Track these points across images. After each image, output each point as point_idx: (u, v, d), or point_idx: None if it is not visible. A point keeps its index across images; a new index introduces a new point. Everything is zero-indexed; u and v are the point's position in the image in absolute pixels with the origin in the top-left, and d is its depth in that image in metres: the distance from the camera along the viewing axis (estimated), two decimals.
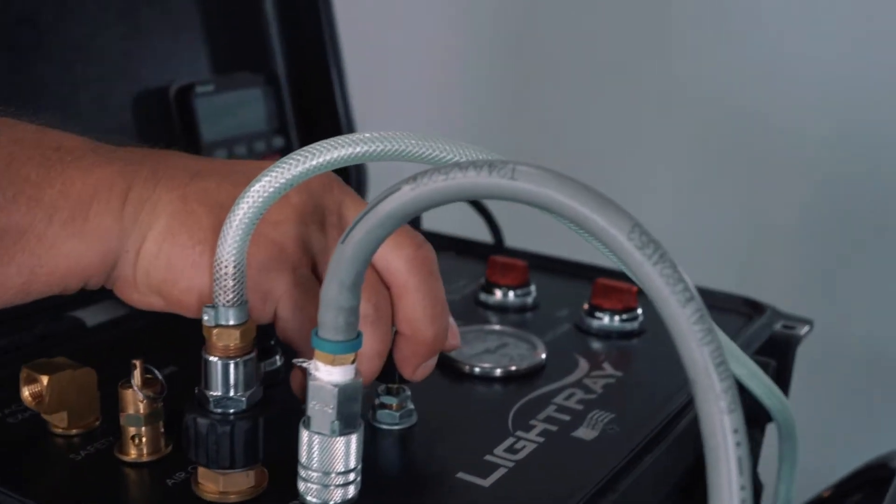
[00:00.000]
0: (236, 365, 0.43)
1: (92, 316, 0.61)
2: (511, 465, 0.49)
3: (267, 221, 0.46)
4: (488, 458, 0.49)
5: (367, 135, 0.42)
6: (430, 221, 0.81)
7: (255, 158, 0.78)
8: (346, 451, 0.41)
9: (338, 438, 0.41)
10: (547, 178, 0.35)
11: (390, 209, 0.37)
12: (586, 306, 0.67)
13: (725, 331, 0.66)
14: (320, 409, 0.40)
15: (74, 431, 0.49)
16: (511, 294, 0.69)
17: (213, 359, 0.43)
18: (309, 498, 0.42)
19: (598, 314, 0.65)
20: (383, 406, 0.52)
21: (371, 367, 0.46)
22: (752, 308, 0.70)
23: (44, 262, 0.44)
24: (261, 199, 0.41)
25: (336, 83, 0.83)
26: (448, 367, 0.59)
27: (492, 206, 0.81)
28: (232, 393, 0.43)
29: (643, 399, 0.56)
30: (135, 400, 0.46)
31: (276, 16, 0.81)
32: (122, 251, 0.45)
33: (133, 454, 0.47)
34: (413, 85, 1.34)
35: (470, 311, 0.69)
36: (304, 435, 0.41)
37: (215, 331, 0.43)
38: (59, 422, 0.49)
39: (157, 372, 0.47)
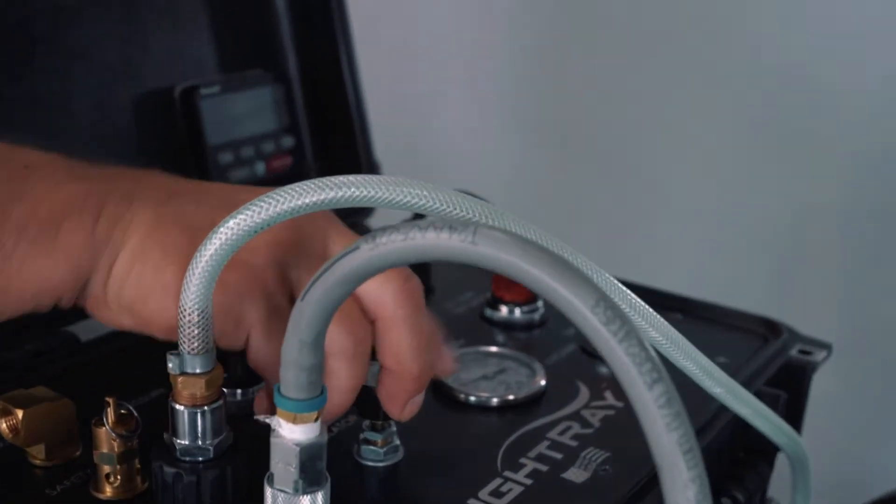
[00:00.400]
0: (203, 413, 0.42)
1: (86, 331, 0.61)
2: None
3: (244, 247, 0.45)
4: (471, 502, 0.47)
5: (344, 178, 0.40)
6: None
7: (263, 159, 0.77)
8: None
9: (302, 497, 0.39)
10: (509, 244, 0.33)
11: (348, 269, 0.35)
12: None
13: (739, 353, 0.65)
14: (283, 467, 0.39)
15: (53, 463, 0.49)
16: (517, 311, 0.67)
17: (179, 407, 0.42)
18: None
19: None
20: (367, 442, 0.50)
21: (343, 401, 0.45)
22: (768, 329, 0.67)
23: (13, 280, 0.43)
24: (227, 244, 0.40)
25: (349, 81, 0.81)
26: (443, 393, 0.57)
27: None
28: (199, 442, 0.42)
29: (641, 435, 0.54)
30: (108, 439, 0.45)
31: (286, 11, 0.79)
32: (93, 269, 0.44)
33: (108, 492, 0.46)
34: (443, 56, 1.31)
35: (474, 327, 0.67)
36: (268, 492, 0.40)
37: (180, 379, 0.41)
38: (37, 453, 0.48)
39: (131, 408, 0.46)
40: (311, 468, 0.39)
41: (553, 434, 0.54)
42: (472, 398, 0.57)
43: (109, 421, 0.45)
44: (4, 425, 0.48)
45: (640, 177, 1.23)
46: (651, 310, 0.48)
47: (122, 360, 0.60)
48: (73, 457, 0.49)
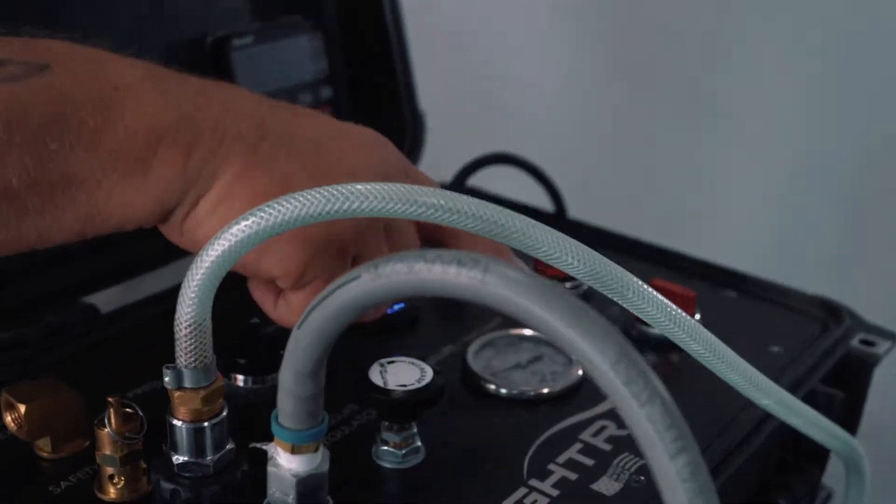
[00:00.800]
0: (200, 430, 0.39)
1: (106, 302, 0.59)
2: None
3: None
4: None
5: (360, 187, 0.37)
6: (482, 180, 0.75)
7: None
8: None
9: None
10: (522, 287, 0.30)
11: (348, 299, 0.32)
12: None
13: (795, 340, 0.60)
14: (280, 497, 0.36)
15: (60, 455, 0.47)
16: None
17: (176, 422, 0.39)
18: None
19: None
20: (385, 443, 0.47)
21: None
22: (829, 313, 0.62)
23: (100, 209, 0.42)
24: (226, 253, 0.37)
25: (391, 26, 0.76)
26: (472, 383, 0.54)
27: (553, 170, 0.74)
28: (198, 458, 0.40)
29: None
30: (110, 441, 0.43)
31: None
32: (179, 203, 0.44)
33: (112, 493, 0.44)
34: None
35: None
36: None
37: (177, 394, 0.39)
38: (43, 446, 0.47)
39: (136, 408, 0.44)
40: (310, 498, 0.36)
41: (586, 435, 0.50)
42: (503, 391, 0.53)
43: (112, 423, 0.43)
44: (9, 418, 0.46)
45: (717, 115, 1.16)
46: (691, 320, 0.44)
47: (144, 333, 0.57)
48: (82, 448, 0.47)
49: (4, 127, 0.39)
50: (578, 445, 0.50)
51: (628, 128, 1.19)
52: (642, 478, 0.47)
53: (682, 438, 0.29)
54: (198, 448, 0.39)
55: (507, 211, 0.38)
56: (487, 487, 0.46)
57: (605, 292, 0.41)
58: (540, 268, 0.64)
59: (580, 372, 0.55)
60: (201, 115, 0.44)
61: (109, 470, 0.44)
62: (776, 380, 0.56)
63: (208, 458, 0.40)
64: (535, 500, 0.46)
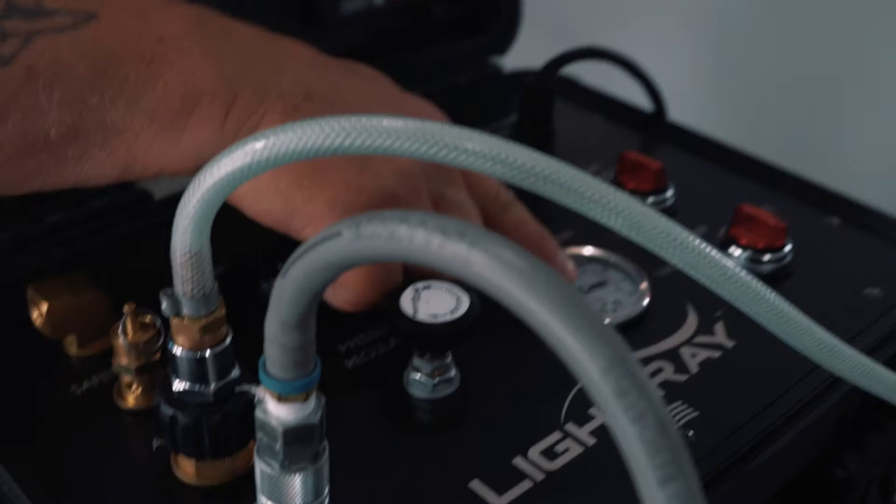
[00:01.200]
0: (201, 360, 0.37)
1: (160, 187, 0.57)
2: (540, 478, 0.41)
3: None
4: (517, 462, 0.41)
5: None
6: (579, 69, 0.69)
7: None
8: (298, 488, 0.35)
9: (286, 476, 0.35)
10: (507, 269, 0.25)
11: (326, 256, 0.29)
12: (722, 233, 0.55)
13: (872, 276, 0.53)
14: (268, 442, 0.34)
15: (88, 353, 0.46)
16: (644, 200, 0.58)
17: (175, 349, 0.37)
18: None
19: (732, 249, 0.54)
20: (416, 370, 0.44)
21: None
22: None
23: (138, 159, 0.43)
24: (220, 183, 0.33)
25: None
26: None
27: (652, 66, 0.67)
28: (197, 387, 0.38)
29: (747, 393, 0.46)
30: (125, 351, 0.42)
31: None
32: (214, 157, 0.42)
33: (130, 402, 0.43)
34: None
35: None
36: (256, 461, 0.35)
37: (175, 321, 0.36)
38: (69, 343, 0.46)
39: (155, 318, 0.42)
40: (297, 450, 0.34)
41: None
42: None
43: (128, 333, 0.42)
44: (35, 313, 0.45)
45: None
46: (752, 279, 0.38)
47: None
48: (109, 348, 0.46)
49: (46, 84, 0.40)
50: None
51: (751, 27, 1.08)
52: (691, 433, 0.43)
53: (675, 464, 0.25)
54: (198, 376, 0.37)
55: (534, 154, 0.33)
56: (519, 428, 0.43)
57: (658, 253, 0.36)
58: (622, 177, 0.59)
59: (646, 303, 0.50)
60: (245, 74, 0.44)
61: (126, 378, 0.43)
62: (868, 328, 0.50)
63: (209, 386, 0.37)
64: (567, 448, 0.42)
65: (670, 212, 0.58)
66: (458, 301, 0.44)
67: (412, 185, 0.45)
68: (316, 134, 0.31)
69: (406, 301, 0.44)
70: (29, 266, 0.51)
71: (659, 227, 0.36)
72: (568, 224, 0.56)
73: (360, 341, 0.48)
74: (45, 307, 0.44)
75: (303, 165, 0.44)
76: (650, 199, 0.58)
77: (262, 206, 0.44)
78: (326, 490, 0.36)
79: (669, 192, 0.59)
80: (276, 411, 0.33)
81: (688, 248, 0.36)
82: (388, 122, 0.31)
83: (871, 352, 0.44)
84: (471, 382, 0.45)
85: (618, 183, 0.58)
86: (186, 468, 0.40)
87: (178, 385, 0.38)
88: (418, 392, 0.44)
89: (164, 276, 0.36)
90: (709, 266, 0.37)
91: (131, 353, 0.42)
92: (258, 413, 0.34)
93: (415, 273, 0.45)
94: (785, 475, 0.46)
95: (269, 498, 0.35)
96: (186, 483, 0.40)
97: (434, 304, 0.43)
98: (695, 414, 0.44)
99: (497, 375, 0.46)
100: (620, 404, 0.24)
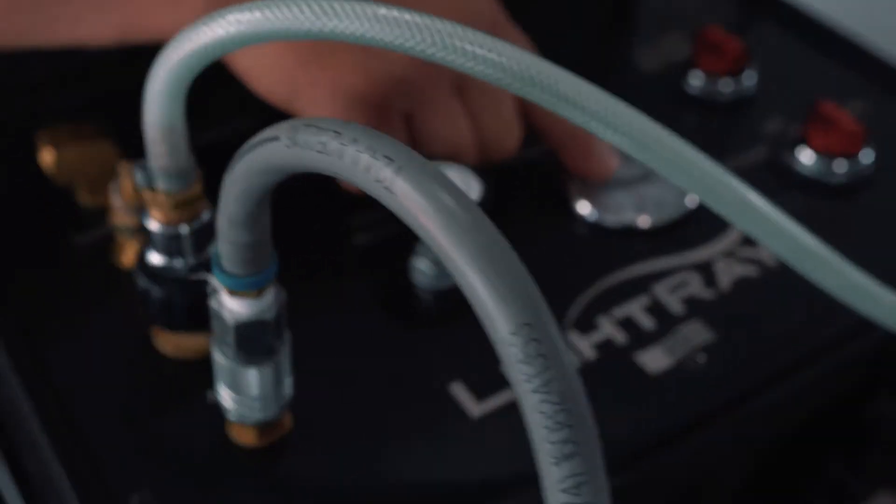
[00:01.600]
0: (175, 235, 0.36)
1: None
2: None
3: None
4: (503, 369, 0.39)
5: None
6: None
7: None
8: (254, 379, 0.34)
9: (241, 367, 0.33)
10: (429, 205, 0.23)
11: (263, 160, 0.27)
12: (795, 131, 0.49)
13: None
14: (221, 334, 0.33)
15: (99, 203, 0.45)
16: (719, 83, 0.52)
17: (150, 223, 0.36)
18: (225, 406, 0.36)
19: (803, 150, 0.48)
20: (419, 258, 0.42)
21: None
22: None
23: (136, 25, 0.42)
24: (193, 53, 0.31)
25: None
26: (559, 198, 0.47)
27: None
28: (169, 262, 0.36)
29: (776, 321, 0.42)
30: (121, 210, 0.41)
31: None
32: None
33: (124, 261, 0.43)
34: None
35: (667, 97, 0.53)
36: (212, 350, 0.34)
37: (148, 194, 0.35)
38: (80, 194, 0.45)
39: None
40: (251, 345, 0.33)
41: (661, 288, 0.43)
42: (587, 211, 0.46)
43: (123, 192, 0.41)
44: (45, 159, 0.44)
45: None
46: (772, 209, 0.33)
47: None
48: None
49: None
50: (645, 300, 0.42)
51: None
52: (703, 358, 0.40)
53: (574, 442, 0.22)
54: (173, 251, 0.36)
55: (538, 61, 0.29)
56: None
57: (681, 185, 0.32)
58: (697, 58, 0.53)
59: (690, 206, 0.46)
60: None
61: (122, 237, 0.42)
62: None
63: (185, 261, 0.36)
64: None
65: (743, 99, 0.52)
66: (467, 186, 0.41)
67: (428, 70, 0.42)
68: (302, 14, 0.28)
69: None
70: (41, 110, 0.50)
71: (664, 143, 0.32)
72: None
73: (372, 217, 0.45)
74: (53, 153, 0.43)
75: (309, 45, 0.41)
76: (722, 82, 0.52)
77: (265, 84, 0.42)
78: (288, 381, 0.35)
79: (748, 76, 0.53)
80: (230, 304, 0.32)
81: (695, 169, 0.32)
82: (383, 11, 0.27)
83: None
84: None
85: (692, 63, 0.53)
86: (163, 340, 0.39)
87: (154, 258, 0.37)
88: (420, 280, 0.42)
89: None
90: (722, 192, 0.32)
91: (127, 213, 0.41)
92: (212, 304, 0.33)
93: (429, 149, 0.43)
94: (803, 415, 0.43)
95: (227, 387, 0.34)
96: (164, 355, 0.39)
97: None
98: (713, 337, 0.41)
99: None
100: (523, 371, 0.22)
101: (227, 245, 0.30)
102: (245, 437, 0.36)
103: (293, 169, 0.26)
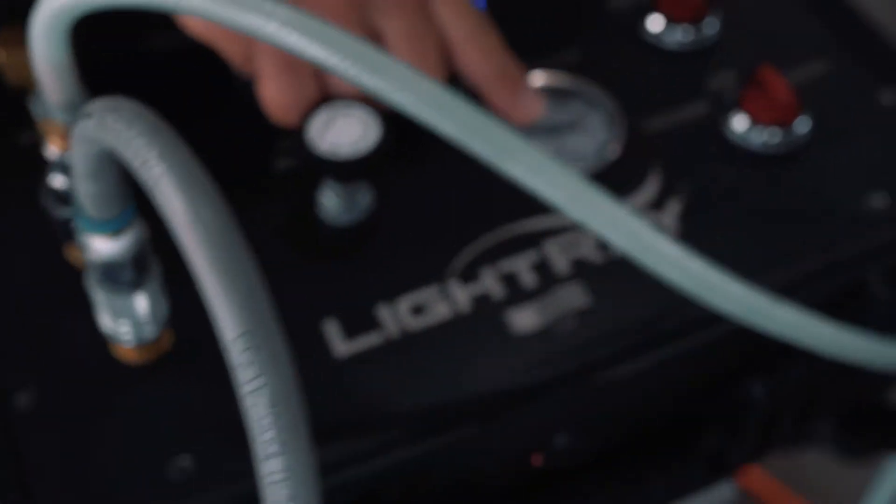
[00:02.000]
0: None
1: None
2: (396, 334, 0.41)
3: None
4: (381, 310, 0.42)
5: None
6: None
7: None
8: (121, 310, 0.37)
9: (108, 298, 0.37)
10: (184, 204, 0.26)
11: (87, 134, 0.31)
12: (734, 95, 0.48)
13: None
14: (89, 267, 0.36)
15: None
16: (679, 32, 0.51)
17: (50, 150, 0.39)
18: (103, 330, 0.39)
19: (738, 116, 0.48)
20: (326, 194, 0.44)
21: None
22: None
23: None
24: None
25: None
26: None
27: None
28: (70, 188, 0.40)
29: (655, 293, 0.42)
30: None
31: None
32: None
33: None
34: None
35: (624, 41, 0.52)
36: (86, 281, 0.38)
37: (44, 123, 0.38)
38: (29, 98, 0.48)
39: None
40: (116, 278, 0.36)
41: (550, 244, 0.44)
42: None
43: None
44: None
45: None
46: (605, 196, 0.33)
47: None
48: None
49: None
50: (533, 255, 0.44)
51: None
52: (573, 323, 0.42)
53: (279, 442, 0.26)
54: (70, 179, 0.39)
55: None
56: (403, 270, 0.43)
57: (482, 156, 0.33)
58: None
59: (609, 158, 0.47)
60: None
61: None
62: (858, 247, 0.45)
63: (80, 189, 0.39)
64: (436, 310, 0.42)
65: (698, 51, 0.51)
66: (366, 127, 0.42)
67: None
68: None
69: (315, 127, 0.42)
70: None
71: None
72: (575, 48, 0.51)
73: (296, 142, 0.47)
74: (3, 54, 0.46)
75: None
76: (680, 30, 0.51)
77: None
78: (161, 306, 0.39)
79: (708, 25, 0.51)
80: (91, 243, 0.35)
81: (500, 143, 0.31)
82: None
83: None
84: (385, 211, 0.45)
85: (652, 6, 0.52)
86: (73, 254, 0.43)
87: (57, 182, 0.40)
88: (323, 214, 0.45)
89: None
90: (550, 181, 0.32)
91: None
92: (81, 240, 0.36)
93: (337, 91, 0.44)
94: (672, 393, 0.44)
95: (101, 314, 0.38)
96: (74, 267, 0.43)
97: (341, 132, 0.42)
98: (587, 302, 0.42)
99: (409, 208, 0.45)
100: (242, 375, 0.25)
101: (79, 193, 0.33)
102: (125, 355, 0.40)
103: (107, 148, 0.29)
